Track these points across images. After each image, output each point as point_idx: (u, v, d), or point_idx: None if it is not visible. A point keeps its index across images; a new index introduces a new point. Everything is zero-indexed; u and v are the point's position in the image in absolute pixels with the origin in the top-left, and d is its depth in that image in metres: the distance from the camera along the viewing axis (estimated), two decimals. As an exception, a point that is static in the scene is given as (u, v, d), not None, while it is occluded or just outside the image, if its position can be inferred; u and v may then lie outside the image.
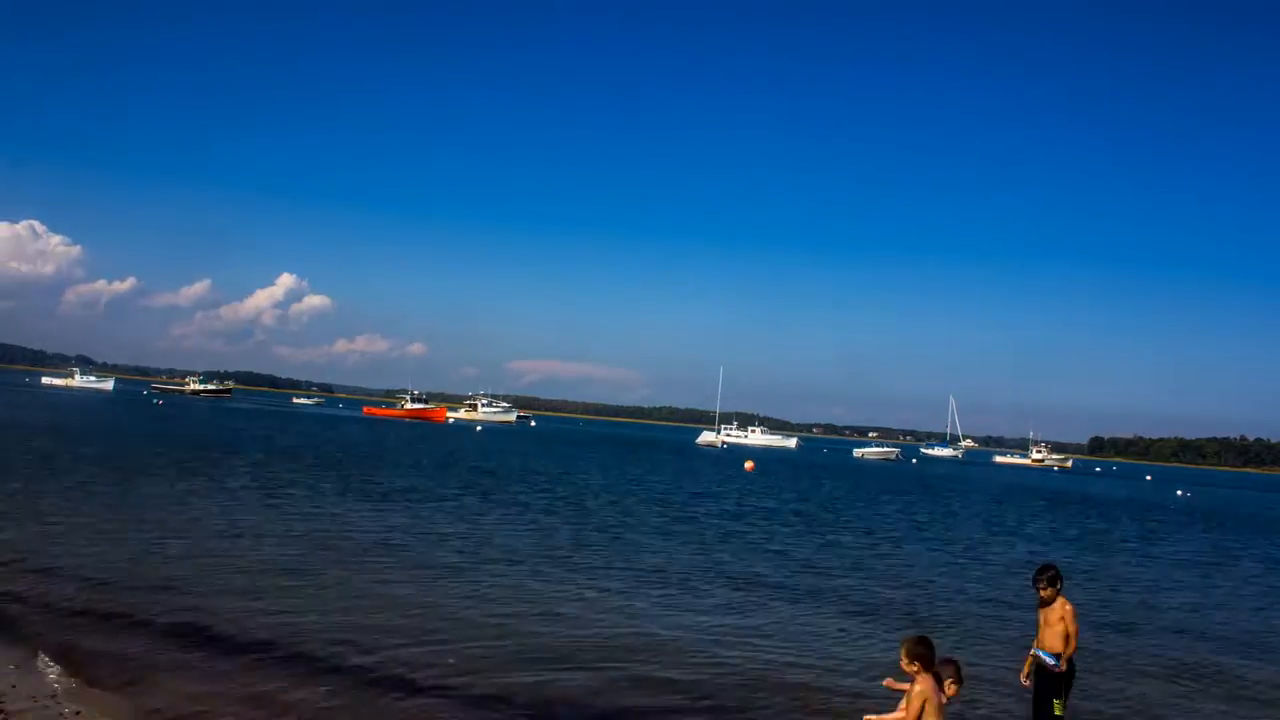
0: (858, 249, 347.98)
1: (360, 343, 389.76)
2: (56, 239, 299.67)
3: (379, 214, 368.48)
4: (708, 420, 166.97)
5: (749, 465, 58.58)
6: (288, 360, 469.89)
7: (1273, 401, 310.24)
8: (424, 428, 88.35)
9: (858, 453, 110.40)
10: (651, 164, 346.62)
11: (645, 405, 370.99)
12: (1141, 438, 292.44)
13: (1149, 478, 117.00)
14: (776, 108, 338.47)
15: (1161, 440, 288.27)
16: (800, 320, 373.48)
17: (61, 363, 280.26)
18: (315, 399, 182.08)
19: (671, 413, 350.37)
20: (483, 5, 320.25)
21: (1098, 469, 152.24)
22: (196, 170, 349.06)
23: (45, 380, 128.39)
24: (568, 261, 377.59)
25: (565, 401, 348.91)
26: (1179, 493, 75.34)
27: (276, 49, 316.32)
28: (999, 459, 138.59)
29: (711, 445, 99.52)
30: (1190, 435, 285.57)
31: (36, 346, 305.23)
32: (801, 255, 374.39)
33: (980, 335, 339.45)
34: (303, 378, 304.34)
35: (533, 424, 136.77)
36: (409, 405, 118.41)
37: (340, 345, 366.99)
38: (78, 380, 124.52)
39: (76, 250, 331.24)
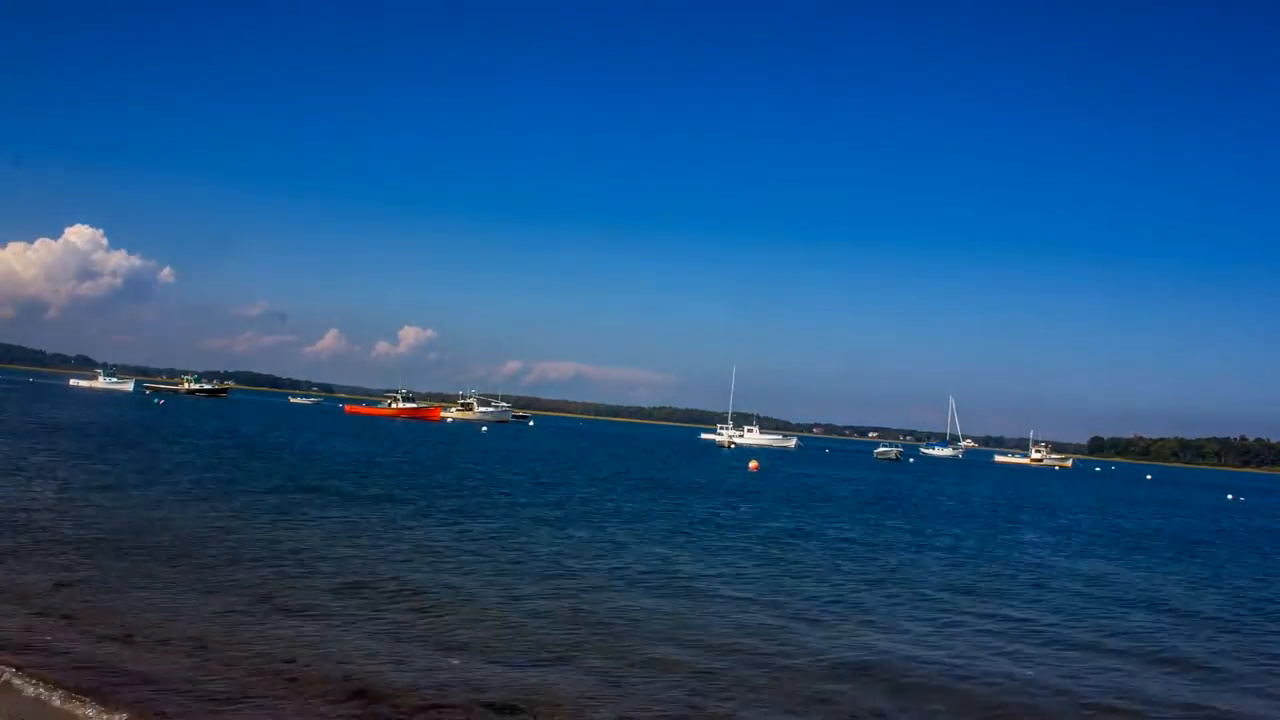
0: (858, 248, 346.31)
1: (359, 343, 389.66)
2: (56, 241, 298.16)
3: (374, 214, 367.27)
4: (708, 420, 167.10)
5: (753, 465, 58.32)
6: (287, 360, 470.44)
7: (1273, 401, 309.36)
8: (437, 429, 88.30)
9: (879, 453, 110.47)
10: (650, 161, 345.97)
11: (645, 405, 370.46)
12: (1141, 438, 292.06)
13: (1149, 477, 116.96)
14: (776, 105, 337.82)
15: (1161, 440, 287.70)
16: (800, 319, 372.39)
17: (61, 363, 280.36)
18: (314, 398, 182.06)
19: (671, 413, 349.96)
20: (488, 8, 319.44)
21: (1097, 469, 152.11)
22: (193, 164, 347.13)
23: (72, 382, 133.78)
24: (565, 261, 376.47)
25: (566, 402, 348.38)
26: (1230, 496, 74.79)
27: (273, 35, 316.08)
28: (999, 459, 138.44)
29: (723, 444, 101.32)
30: (1190, 435, 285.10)
31: (36, 347, 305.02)
32: (802, 254, 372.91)
33: (980, 335, 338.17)
34: (303, 378, 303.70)
35: (531, 424, 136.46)
36: (400, 405, 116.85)
37: (339, 346, 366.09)
38: (101, 382, 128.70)
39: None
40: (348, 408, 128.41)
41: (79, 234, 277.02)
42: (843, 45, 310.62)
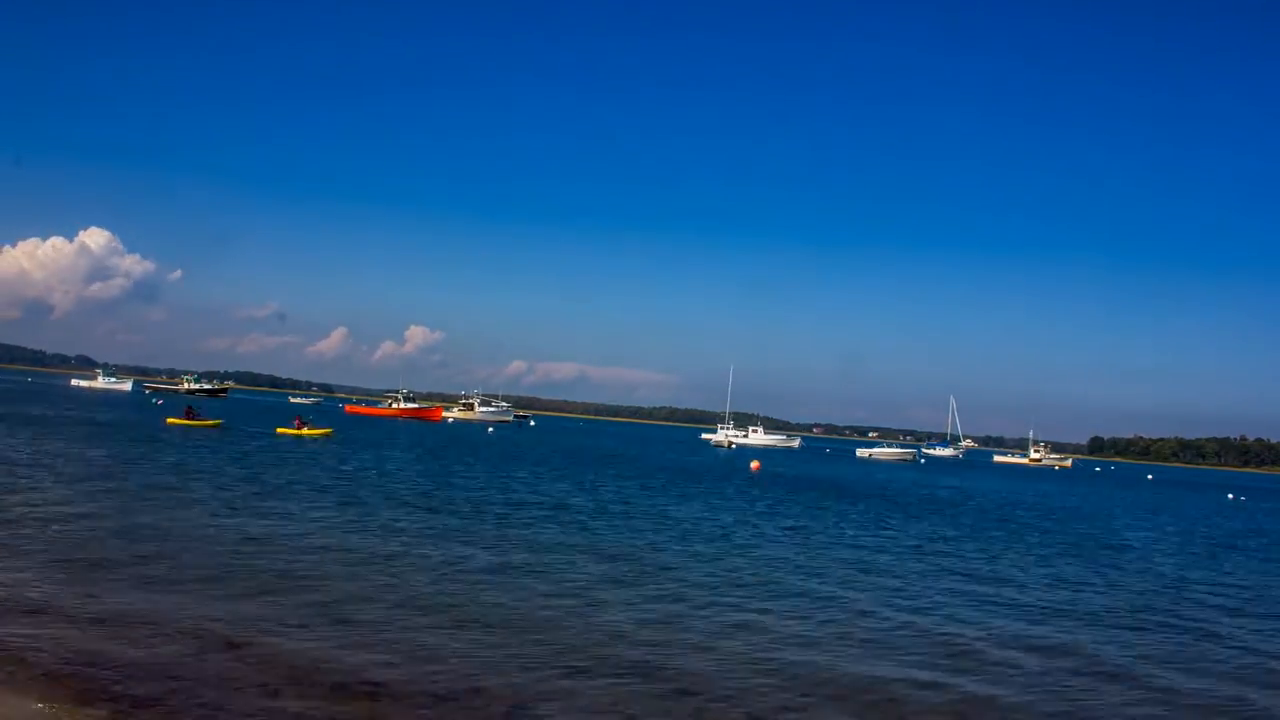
0: (857, 248, 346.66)
1: (365, 343, 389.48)
2: (60, 241, 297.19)
3: (379, 215, 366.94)
4: (708, 420, 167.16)
5: (755, 465, 58.30)
6: (286, 360, 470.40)
7: (1273, 401, 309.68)
8: (443, 429, 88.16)
9: (862, 453, 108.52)
10: (651, 162, 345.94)
11: (646, 405, 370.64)
12: (1141, 437, 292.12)
13: (1150, 477, 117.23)
14: (777, 105, 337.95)
15: (1161, 440, 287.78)
16: (800, 320, 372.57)
17: (61, 363, 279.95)
18: (314, 398, 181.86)
19: (671, 413, 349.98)
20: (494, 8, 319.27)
21: (1097, 469, 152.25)
22: (201, 167, 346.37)
23: (74, 382, 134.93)
24: (567, 262, 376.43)
25: (567, 402, 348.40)
26: (1230, 496, 74.64)
27: (280, 39, 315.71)
28: (998, 459, 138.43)
29: (720, 445, 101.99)
30: (1190, 435, 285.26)
31: (36, 347, 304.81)
32: (802, 255, 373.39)
33: (981, 334, 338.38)
34: (302, 377, 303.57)
35: (532, 424, 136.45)
36: (401, 404, 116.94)
37: (344, 346, 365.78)
38: (100, 382, 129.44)
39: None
40: (348, 408, 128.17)
41: (93, 236, 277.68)
42: (843, 44, 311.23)
